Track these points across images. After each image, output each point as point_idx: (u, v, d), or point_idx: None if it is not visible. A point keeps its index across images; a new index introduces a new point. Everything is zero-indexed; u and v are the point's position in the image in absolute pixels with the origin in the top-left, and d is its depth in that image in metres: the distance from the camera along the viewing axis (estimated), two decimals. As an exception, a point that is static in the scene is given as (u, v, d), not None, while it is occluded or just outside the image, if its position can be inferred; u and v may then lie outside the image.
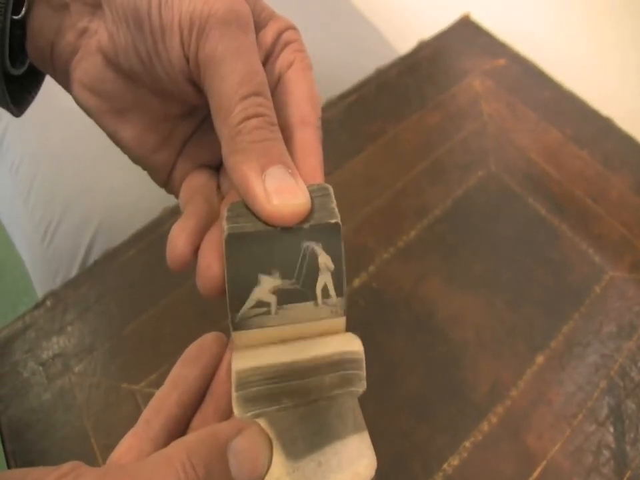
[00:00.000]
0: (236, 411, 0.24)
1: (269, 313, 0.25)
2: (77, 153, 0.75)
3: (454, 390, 0.53)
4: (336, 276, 0.26)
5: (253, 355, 0.25)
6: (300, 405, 0.25)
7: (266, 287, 0.25)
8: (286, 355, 0.25)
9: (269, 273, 0.25)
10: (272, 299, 0.25)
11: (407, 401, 0.52)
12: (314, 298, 0.26)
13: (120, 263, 0.61)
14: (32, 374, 0.54)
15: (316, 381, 0.25)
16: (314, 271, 0.25)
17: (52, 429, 0.52)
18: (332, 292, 0.26)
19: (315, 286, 0.25)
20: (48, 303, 0.58)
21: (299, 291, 0.25)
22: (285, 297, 0.25)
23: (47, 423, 0.52)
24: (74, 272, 0.69)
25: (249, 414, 0.24)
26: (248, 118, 0.26)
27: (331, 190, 0.27)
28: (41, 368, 0.55)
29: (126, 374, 0.54)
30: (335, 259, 0.26)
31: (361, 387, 0.25)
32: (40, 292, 0.74)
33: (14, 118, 0.80)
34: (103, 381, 0.54)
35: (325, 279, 0.25)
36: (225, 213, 0.27)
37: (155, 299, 0.58)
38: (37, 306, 0.58)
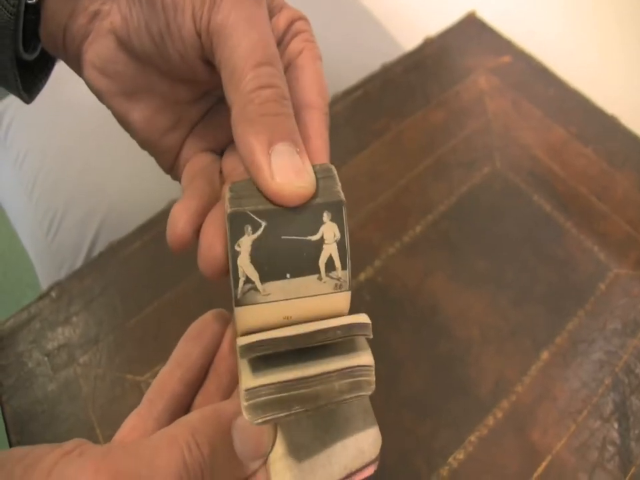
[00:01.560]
0: (246, 417, 0.24)
1: (255, 288, 0.25)
2: (82, 146, 0.75)
3: (458, 386, 0.53)
4: (341, 249, 0.25)
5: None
6: (310, 410, 0.24)
7: (243, 249, 0.25)
8: (296, 366, 0.25)
9: (242, 234, 0.25)
10: (255, 275, 0.25)
11: (411, 397, 0.52)
12: (317, 271, 0.25)
13: (125, 255, 0.61)
14: (37, 365, 0.54)
15: (326, 388, 0.24)
16: (317, 244, 0.25)
17: (57, 420, 0.52)
18: (337, 264, 0.25)
19: (318, 258, 0.25)
20: (53, 293, 0.58)
21: (296, 263, 0.25)
22: (275, 271, 0.25)
23: (52, 413, 0.52)
24: (78, 265, 0.69)
25: (259, 420, 0.24)
26: (261, 87, 0.25)
27: (335, 171, 0.27)
28: (45, 359, 0.55)
29: (131, 365, 0.54)
30: (339, 234, 0.26)
31: (370, 391, 0.25)
32: (45, 285, 0.74)
33: (19, 111, 0.80)
34: (108, 372, 0.54)
35: (330, 251, 0.25)
36: (226, 192, 0.26)
37: (159, 291, 0.58)
38: (42, 297, 0.58)
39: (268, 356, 0.24)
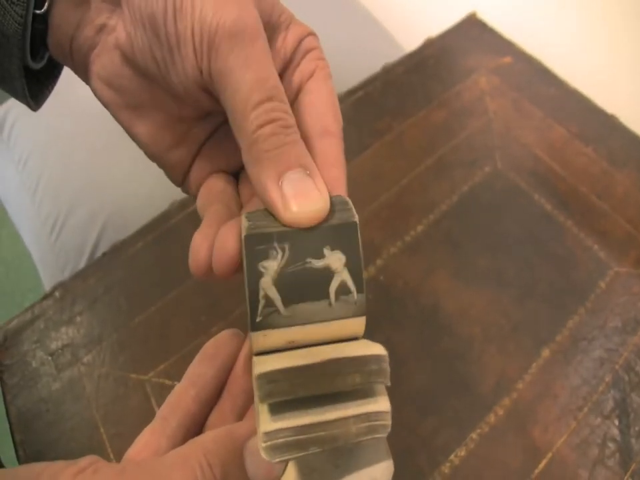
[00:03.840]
0: (264, 457, 0.24)
1: (278, 311, 0.25)
2: (85, 147, 0.76)
3: (460, 384, 0.53)
4: (354, 273, 0.26)
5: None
6: (326, 450, 0.25)
7: (269, 273, 0.25)
8: (313, 410, 0.25)
9: (268, 257, 0.25)
10: (276, 296, 0.25)
11: (413, 395, 0.53)
12: (327, 297, 0.26)
13: (128, 256, 0.61)
14: (41, 364, 0.55)
15: (343, 431, 0.24)
16: (328, 271, 0.25)
17: (61, 419, 0.52)
18: (352, 288, 0.26)
19: (329, 284, 0.26)
20: (57, 294, 0.58)
21: (311, 288, 0.25)
22: (294, 295, 0.25)
23: (56, 413, 0.52)
24: (82, 266, 0.69)
25: (277, 460, 0.24)
26: (261, 125, 0.26)
27: (351, 204, 0.27)
28: (49, 358, 0.55)
29: (135, 364, 0.54)
30: (352, 257, 0.26)
31: (385, 433, 0.25)
32: (48, 286, 0.74)
33: (22, 112, 0.81)
34: (112, 371, 0.54)
35: (342, 277, 0.26)
36: (243, 221, 0.27)
37: (163, 291, 0.58)
38: (46, 297, 0.58)
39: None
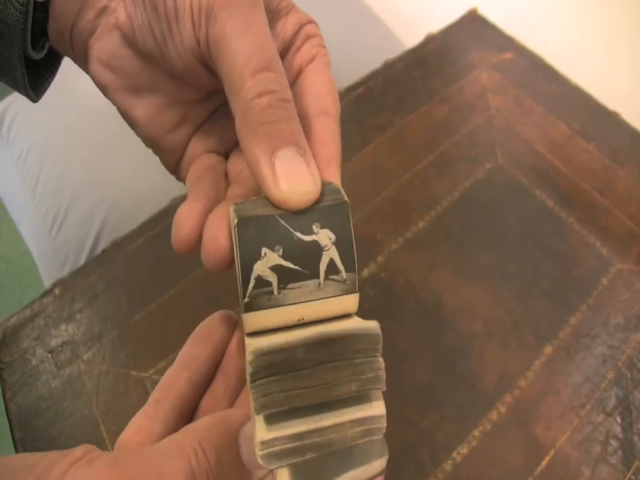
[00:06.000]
0: (261, 464, 0.24)
1: (271, 292, 0.25)
2: (85, 143, 0.75)
3: (462, 380, 0.53)
4: (345, 252, 0.26)
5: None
6: (323, 455, 0.25)
7: (267, 262, 0.25)
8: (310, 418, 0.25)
9: (272, 249, 0.25)
10: (273, 278, 0.25)
11: (415, 391, 0.53)
12: (317, 276, 0.25)
13: (128, 252, 0.61)
14: (41, 361, 0.55)
15: (339, 435, 0.25)
16: (317, 249, 0.25)
17: (61, 416, 0.52)
18: (340, 267, 0.26)
19: (319, 264, 0.25)
20: (56, 291, 0.58)
21: (301, 271, 0.25)
22: (289, 276, 0.25)
23: (56, 410, 0.52)
24: (82, 262, 0.69)
25: (274, 466, 0.24)
26: (259, 95, 0.25)
27: (343, 192, 0.27)
28: (49, 355, 0.55)
29: (135, 361, 0.54)
30: (344, 236, 0.26)
31: (381, 435, 0.25)
32: (47, 283, 0.74)
33: (21, 108, 0.80)
34: (112, 368, 0.54)
35: (330, 255, 0.25)
36: (231, 214, 0.26)
37: (163, 288, 0.58)
38: (46, 294, 0.58)
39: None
